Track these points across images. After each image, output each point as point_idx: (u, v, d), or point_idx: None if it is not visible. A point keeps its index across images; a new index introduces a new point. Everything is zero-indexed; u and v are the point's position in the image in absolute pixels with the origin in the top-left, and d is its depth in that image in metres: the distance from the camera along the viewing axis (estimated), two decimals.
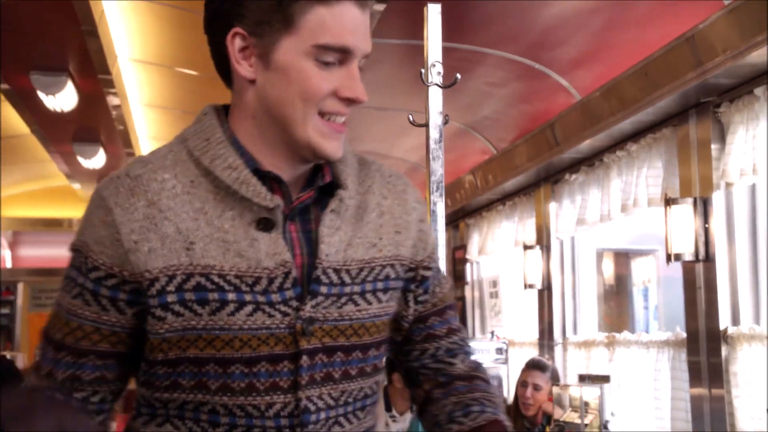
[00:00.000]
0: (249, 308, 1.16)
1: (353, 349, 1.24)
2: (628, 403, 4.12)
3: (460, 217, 7.00)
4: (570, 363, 5.15)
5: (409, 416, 3.46)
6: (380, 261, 1.26)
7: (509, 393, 4.98)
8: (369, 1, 1.20)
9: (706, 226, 3.63)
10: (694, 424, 3.68)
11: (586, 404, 4.30)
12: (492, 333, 5.89)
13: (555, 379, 4.42)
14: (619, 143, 4.41)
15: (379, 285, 1.26)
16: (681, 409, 3.83)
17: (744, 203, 3.67)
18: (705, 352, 3.63)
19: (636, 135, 4.24)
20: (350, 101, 1.19)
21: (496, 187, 5.81)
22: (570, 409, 4.36)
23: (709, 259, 3.62)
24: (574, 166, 4.97)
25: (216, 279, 1.15)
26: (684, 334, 3.83)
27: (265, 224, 1.18)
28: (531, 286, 5.51)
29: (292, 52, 1.16)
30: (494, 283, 6.74)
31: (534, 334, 5.65)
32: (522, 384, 4.34)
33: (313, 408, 1.19)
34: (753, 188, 3.64)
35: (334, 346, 1.21)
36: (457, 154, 5.90)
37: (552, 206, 5.38)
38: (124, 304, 1.18)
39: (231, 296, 1.15)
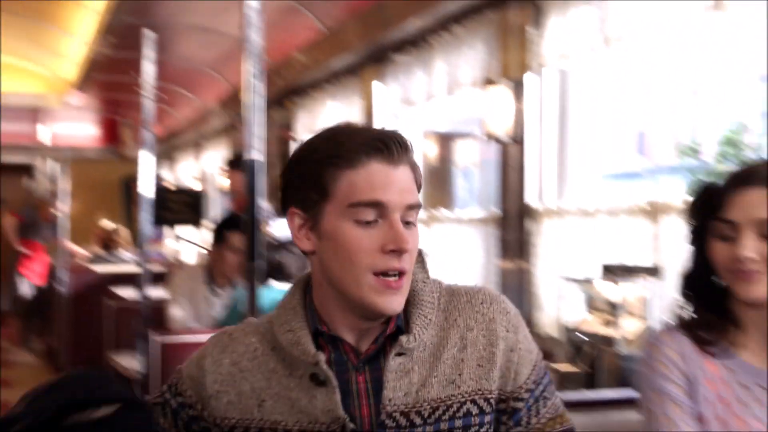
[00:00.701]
0: None
1: None
2: (445, 277, 4.34)
3: (287, 96, 6.92)
4: None
5: (229, 290, 3.48)
6: (459, 398, 1.28)
7: None
8: (400, 156, 1.25)
9: (520, 108, 3.79)
10: (503, 293, 3.94)
11: None
12: None
13: None
14: (444, 25, 4.47)
15: (458, 423, 1.27)
16: (491, 281, 4.09)
17: (555, 87, 3.85)
18: (514, 228, 3.86)
19: (460, 17, 4.31)
20: (396, 252, 1.23)
21: (324, 66, 5.76)
22: None
23: (521, 140, 3.80)
24: (401, 46, 5.00)
25: None
26: (497, 212, 4.04)
27: (317, 380, 1.27)
28: None
29: (333, 218, 1.25)
30: None
31: None
32: None
33: None
34: (563, 73, 3.81)
35: None
36: (285, 32, 5.77)
37: (378, 86, 5.41)
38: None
39: None
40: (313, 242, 1.28)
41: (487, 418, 1.30)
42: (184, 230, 7.45)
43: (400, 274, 1.25)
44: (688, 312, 1.59)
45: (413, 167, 1.28)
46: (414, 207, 1.26)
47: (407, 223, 1.25)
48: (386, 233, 1.23)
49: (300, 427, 1.26)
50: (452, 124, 6.99)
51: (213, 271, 3.60)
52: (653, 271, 2.95)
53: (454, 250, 4.41)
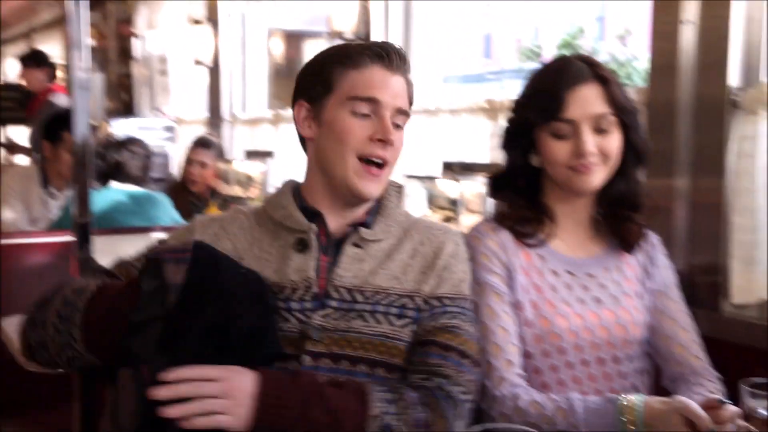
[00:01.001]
0: None
1: (359, 361, 1.42)
2: (292, 176, 4.32)
3: None
4: (238, 140, 5.24)
5: (67, 193, 3.34)
6: (399, 291, 1.48)
7: (177, 170, 4.98)
8: (398, 67, 1.49)
9: (365, 4, 3.75)
10: None
11: (250, 178, 4.45)
12: (160, 111, 5.76)
13: (221, 156, 4.49)
14: None
15: (393, 310, 1.46)
16: None
17: None
18: None
19: None
20: (382, 143, 1.46)
21: None
22: (235, 183, 4.49)
23: (367, 37, 3.77)
24: None
25: None
26: None
27: (300, 245, 1.49)
28: (200, 64, 5.41)
29: (333, 109, 1.48)
30: (163, 60, 6.51)
31: (203, 112, 5.63)
32: (188, 162, 4.36)
33: None
34: None
35: (341, 354, 1.42)
36: None
37: None
38: None
39: None
40: (314, 130, 1.52)
41: (419, 315, 1.48)
42: (14, 130, 7.02)
43: (382, 164, 1.48)
44: (505, 207, 1.67)
45: (408, 80, 1.53)
46: (403, 112, 1.51)
47: (396, 125, 1.49)
48: (376, 125, 1.46)
49: (269, 282, 1.44)
50: (301, 22, 6.85)
51: (48, 172, 3.43)
52: (491, 168, 3.06)
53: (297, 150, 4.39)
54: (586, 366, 1.60)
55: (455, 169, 3.13)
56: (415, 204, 3.37)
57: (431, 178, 3.27)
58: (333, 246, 1.51)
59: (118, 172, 3.64)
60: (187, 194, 4.33)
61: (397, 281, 1.49)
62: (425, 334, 1.46)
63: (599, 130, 1.57)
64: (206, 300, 1.31)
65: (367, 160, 1.48)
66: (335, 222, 1.54)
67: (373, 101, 1.47)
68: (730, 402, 1.33)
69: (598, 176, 1.59)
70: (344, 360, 1.43)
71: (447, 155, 3.28)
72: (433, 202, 3.28)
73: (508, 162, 1.70)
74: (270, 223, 1.53)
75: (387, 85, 1.48)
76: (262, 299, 1.40)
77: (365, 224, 1.53)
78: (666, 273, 1.73)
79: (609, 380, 1.62)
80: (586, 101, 1.56)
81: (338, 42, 3.83)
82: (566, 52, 6.95)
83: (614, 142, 1.59)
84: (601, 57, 7.33)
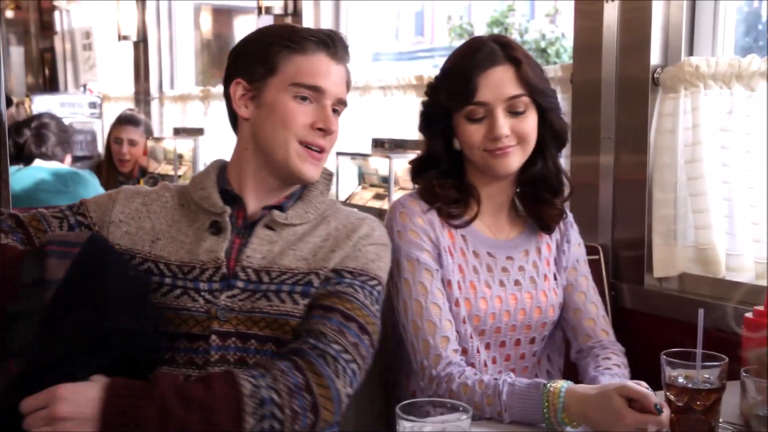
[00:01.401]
0: (178, 291, 1.44)
1: (267, 340, 1.43)
2: (220, 154, 4.27)
3: None
4: (166, 117, 5.15)
5: None
6: (305, 269, 1.47)
7: (102, 148, 4.87)
8: (342, 56, 1.51)
9: None
10: None
11: (180, 156, 4.39)
12: (85, 87, 5.61)
13: (149, 133, 4.40)
14: None
15: (298, 288, 1.45)
16: None
17: None
18: None
19: None
20: (323, 132, 1.48)
21: None
22: (165, 161, 4.41)
23: (297, 13, 3.74)
24: None
25: (162, 267, 1.46)
26: None
27: (216, 227, 1.49)
28: (126, 38, 5.28)
29: (275, 91, 1.48)
30: (87, 35, 6.33)
31: (130, 89, 5.50)
32: (116, 140, 4.25)
33: None
34: None
35: (248, 333, 1.43)
36: None
37: None
38: None
39: (167, 281, 1.45)
40: (251, 111, 1.50)
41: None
42: None
43: (321, 150, 1.50)
44: (433, 187, 1.66)
45: (347, 70, 1.54)
46: (342, 102, 1.52)
47: (334, 111, 1.51)
48: (318, 113, 1.48)
49: (180, 263, 1.46)
50: None
51: None
52: (421, 144, 3.06)
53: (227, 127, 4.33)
54: (502, 347, 1.63)
55: (386, 146, 3.14)
56: (347, 182, 3.36)
57: (362, 156, 3.27)
58: (248, 228, 1.51)
59: (32, 150, 3.54)
60: (115, 172, 4.24)
61: (305, 262, 1.47)
62: (313, 301, 1.44)
63: (513, 113, 1.57)
64: (83, 299, 1.28)
65: (307, 145, 1.49)
66: (255, 205, 1.53)
67: (316, 89, 1.48)
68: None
69: (514, 159, 1.59)
70: (252, 339, 1.43)
71: (378, 132, 3.28)
72: (364, 179, 3.28)
73: (427, 146, 1.69)
74: (192, 203, 1.53)
75: (330, 74, 1.49)
76: (144, 304, 1.38)
77: (280, 207, 1.53)
78: (578, 249, 1.76)
79: (523, 359, 1.65)
80: (499, 84, 1.55)
81: (268, 18, 3.79)
82: (496, 30, 7.00)
83: (529, 124, 1.58)
84: (531, 35, 7.41)
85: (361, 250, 1.49)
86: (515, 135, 1.57)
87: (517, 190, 1.70)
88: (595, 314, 1.71)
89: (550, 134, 1.63)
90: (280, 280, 1.45)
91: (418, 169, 1.70)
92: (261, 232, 1.49)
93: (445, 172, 1.65)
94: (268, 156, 1.50)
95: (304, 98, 1.48)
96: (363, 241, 1.50)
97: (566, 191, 1.72)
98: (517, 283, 1.64)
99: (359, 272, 1.46)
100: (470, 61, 1.57)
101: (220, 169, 1.57)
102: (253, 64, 1.50)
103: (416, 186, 1.70)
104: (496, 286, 1.62)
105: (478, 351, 1.60)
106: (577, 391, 1.37)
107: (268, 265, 1.47)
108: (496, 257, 1.64)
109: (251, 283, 1.45)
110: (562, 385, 1.39)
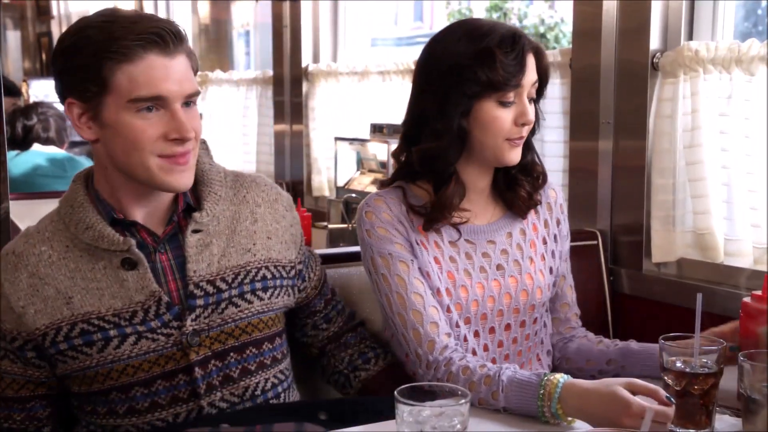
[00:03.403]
0: (132, 338, 1.35)
1: (245, 347, 1.41)
2: (218, 138, 4.27)
3: None
4: None
5: None
6: (255, 264, 1.44)
7: None
8: (176, 46, 1.31)
9: None
10: (276, 157, 3.96)
11: None
12: None
13: None
14: None
15: (258, 285, 1.43)
16: (266, 143, 4.07)
17: None
18: (288, 90, 3.83)
19: None
20: (179, 141, 1.32)
21: None
22: None
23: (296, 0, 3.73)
24: None
25: (96, 321, 1.34)
26: (271, 73, 3.99)
27: (129, 264, 1.36)
28: None
29: (114, 110, 1.30)
30: None
31: None
32: None
33: (215, 411, 1.37)
34: None
35: (225, 349, 1.39)
36: None
37: None
38: (36, 360, 1.38)
39: (113, 332, 1.34)
40: (95, 131, 1.34)
41: (284, 282, 1.49)
42: None
43: (185, 153, 1.35)
44: (406, 184, 1.62)
45: (189, 54, 1.36)
46: (193, 95, 1.35)
47: (186, 104, 1.34)
48: (168, 122, 1.31)
49: (114, 311, 1.35)
50: None
51: None
52: None
53: (229, 113, 4.33)
54: (492, 333, 1.62)
55: (385, 132, 3.13)
56: (345, 167, 3.36)
57: (361, 141, 3.27)
58: (165, 241, 1.41)
59: (30, 137, 3.55)
60: None
61: (250, 254, 1.44)
62: (317, 283, 1.60)
63: (530, 99, 1.57)
64: None
65: (168, 156, 1.34)
66: (153, 218, 1.41)
67: (158, 99, 1.31)
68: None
69: (521, 150, 1.59)
70: (231, 353, 1.41)
71: (376, 117, 3.27)
72: (362, 164, 3.28)
73: (434, 135, 1.60)
74: (79, 243, 1.37)
75: (169, 74, 1.31)
76: None
77: (190, 205, 1.42)
78: (568, 238, 1.76)
79: (516, 344, 1.65)
80: (529, 70, 1.55)
81: (266, 3, 3.75)
82: (495, 16, 6.98)
83: (535, 111, 1.60)
84: (530, 20, 7.39)
85: (296, 226, 1.55)
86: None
87: (498, 174, 1.66)
88: (571, 299, 1.75)
89: (536, 122, 1.63)
90: (237, 282, 1.42)
91: (407, 142, 1.63)
92: (192, 240, 1.40)
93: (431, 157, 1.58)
94: (131, 176, 1.35)
95: (149, 109, 1.31)
96: (288, 214, 1.54)
97: (543, 176, 1.69)
98: (499, 267, 1.62)
99: (304, 246, 1.58)
100: (514, 44, 1.51)
101: (89, 193, 1.41)
102: (82, 81, 1.31)
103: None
104: (476, 273, 1.60)
105: (465, 339, 1.60)
106: (576, 384, 1.36)
107: (218, 271, 1.40)
108: (476, 243, 1.62)
109: (211, 296, 1.39)
110: (562, 377, 1.38)
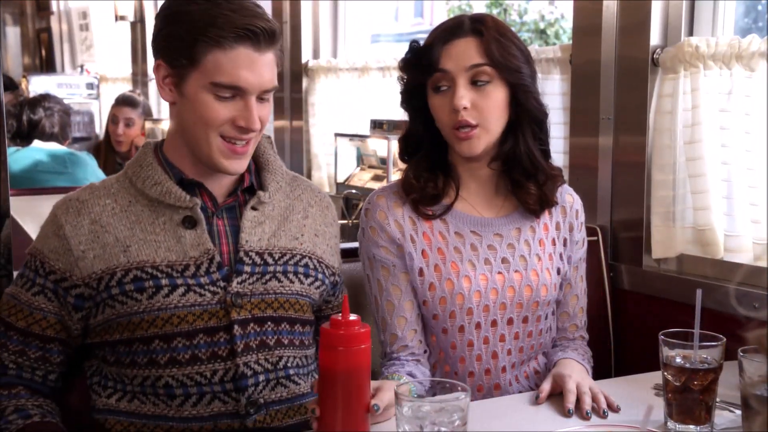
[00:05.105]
0: (181, 290, 1.41)
1: (281, 320, 1.48)
2: None
3: None
4: None
5: None
6: (300, 251, 1.53)
7: (101, 129, 4.86)
8: (267, 45, 1.40)
9: None
10: (278, 152, 3.95)
11: None
12: (82, 67, 5.59)
13: (147, 114, 4.39)
14: None
15: (300, 269, 1.52)
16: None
17: None
18: (288, 86, 3.83)
19: None
20: (245, 129, 1.41)
21: None
22: None
23: None
24: None
25: (149, 270, 1.41)
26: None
27: (189, 222, 1.45)
28: (123, 18, 5.25)
29: (195, 86, 1.40)
30: (84, 15, 6.29)
31: (127, 69, 5.48)
32: (113, 120, 4.25)
33: (250, 372, 1.43)
34: None
35: (264, 316, 1.46)
36: None
37: None
38: (75, 302, 1.44)
39: (164, 282, 1.41)
40: (175, 96, 1.43)
41: (323, 278, 1.57)
42: None
43: (247, 142, 1.43)
44: (409, 177, 1.65)
45: (277, 53, 1.44)
46: (270, 90, 1.43)
47: (261, 99, 1.43)
48: (240, 110, 1.40)
49: (168, 263, 1.42)
50: None
51: None
52: None
53: None
54: (494, 326, 1.63)
55: (385, 128, 3.13)
56: (345, 163, 3.36)
57: (361, 137, 3.26)
58: (224, 210, 1.50)
59: (34, 131, 3.53)
60: (113, 154, 4.23)
61: (297, 241, 1.54)
62: (337, 306, 1.62)
63: (476, 83, 1.57)
64: None
65: (230, 140, 1.43)
66: (217, 185, 1.50)
67: (236, 89, 1.40)
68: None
69: (477, 143, 1.57)
70: (269, 321, 1.47)
71: (376, 114, 3.27)
72: (362, 160, 3.27)
73: (409, 123, 1.69)
74: (144, 198, 1.46)
75: (254, 68, 1.40)
76: None
77: (253, 185, 1.52)
78: (581, 247, 1.75)
79: (518, 340, 1.65)
80: (461, 53, 1.56)
81: (239, 11, 3.74)
82: (495, 12, 6.98)
83: (492, 99, 1.56)
84: (530, 16, 7.38)
85: (337, 238, 1.63)
86: (476, 111, 1.56)
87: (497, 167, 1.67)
88: (573, 307, 1.74)
89: (523, 115, 1.60)
90: (283, 261, 1.51)
91: (405, 148, 1.70)
92: (249, 215, 1.50)
93: (428, 153, 1.65)
94: (192, 148, 1.46)
95: (226, 95, 1.40)
96: (335, 225, 1.64)
97: (553, 179, 1.67)
98: (504, 260, 1.63)
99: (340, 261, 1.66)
100: (438, 33, 1.59)
101: (159, 155, 1.50)
102: (174, 50, 1.41)
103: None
104: (480, 265, 1.62)
105: (463, 330, 1.61)
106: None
107: (267, 246, 1.50)
108: (482, 235, 1.63)
109: (257, 266, 1.48)
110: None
